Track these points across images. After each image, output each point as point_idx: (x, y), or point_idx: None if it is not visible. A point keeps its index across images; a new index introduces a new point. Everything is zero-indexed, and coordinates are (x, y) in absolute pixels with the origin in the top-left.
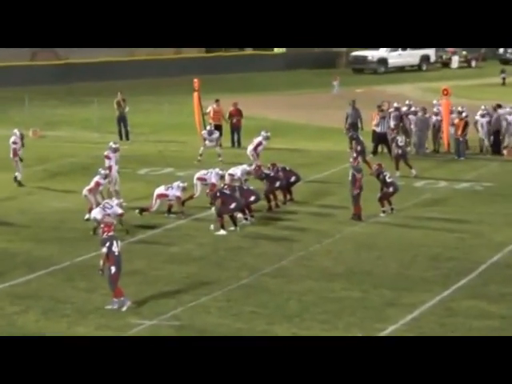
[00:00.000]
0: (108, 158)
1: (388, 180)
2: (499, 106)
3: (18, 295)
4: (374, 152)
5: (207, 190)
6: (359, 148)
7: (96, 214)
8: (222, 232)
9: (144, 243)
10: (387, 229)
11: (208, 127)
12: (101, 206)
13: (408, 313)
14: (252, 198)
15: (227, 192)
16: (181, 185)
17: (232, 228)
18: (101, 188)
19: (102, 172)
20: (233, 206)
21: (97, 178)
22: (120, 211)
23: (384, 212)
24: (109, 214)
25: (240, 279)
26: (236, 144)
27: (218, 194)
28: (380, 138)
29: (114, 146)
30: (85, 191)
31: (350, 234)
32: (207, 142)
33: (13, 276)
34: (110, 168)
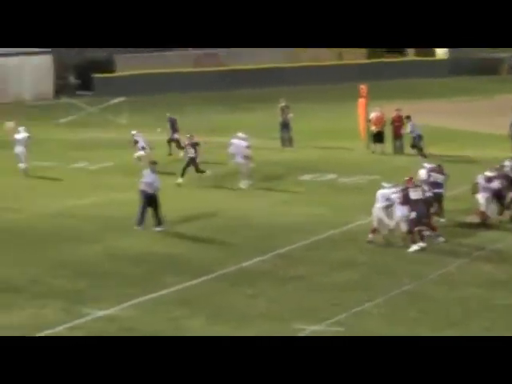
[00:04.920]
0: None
1: None
2: None
3: (184, 300)
4: None
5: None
6: None
7: None
8: (416, 247)
9: (308, 250)
10: None
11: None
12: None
13: None
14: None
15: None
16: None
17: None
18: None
19: (388, 186)
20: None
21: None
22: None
23: None
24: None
25: (403, 285)
26: (398, 150)
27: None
28: None
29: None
30: (377, 211)
31: None
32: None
33: (179, 281)
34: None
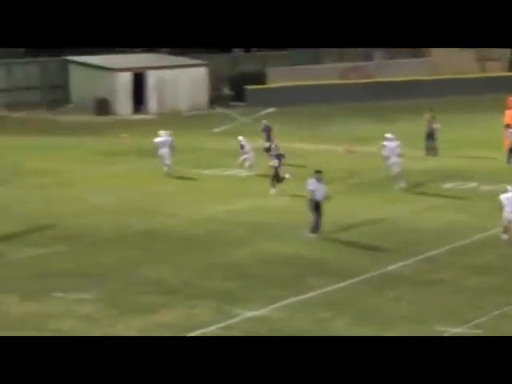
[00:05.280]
0: None
1: None
2: None
3: (330, 302)
4: None
5: None
6: None
7: None
8: None
9: (451, 254)
10: None
11: None
12: None
13: None
14: None
15: None
16: None
17: None
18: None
19: None
20: None
21: None
22: None
23: None
24: None
25: None
26: None
27: None
28: None
29: None
30: (508, 214)
31: None
32: None
33: (325, 283)
34: None
